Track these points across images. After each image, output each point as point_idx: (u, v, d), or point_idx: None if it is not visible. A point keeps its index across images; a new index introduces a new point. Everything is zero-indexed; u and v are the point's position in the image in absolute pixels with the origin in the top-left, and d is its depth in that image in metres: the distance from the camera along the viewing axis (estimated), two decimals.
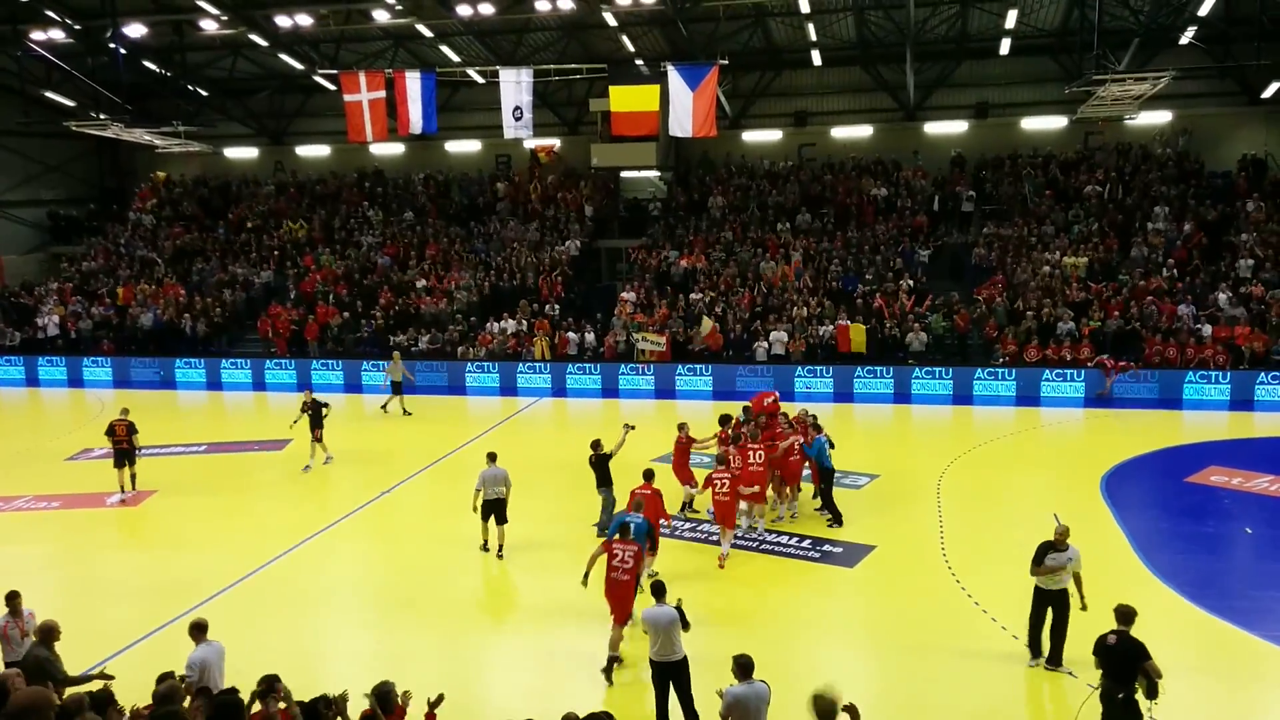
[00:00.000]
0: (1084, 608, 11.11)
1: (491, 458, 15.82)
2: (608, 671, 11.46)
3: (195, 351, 32.55)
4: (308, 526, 17.21)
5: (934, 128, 34.62)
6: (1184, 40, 29.06)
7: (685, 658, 10.11)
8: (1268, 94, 31.02)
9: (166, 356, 32.32)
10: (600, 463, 16.13)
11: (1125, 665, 8.97)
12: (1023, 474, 20.07)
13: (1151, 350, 26.20)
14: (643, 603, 11.22)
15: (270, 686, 8.15)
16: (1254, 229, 29.21)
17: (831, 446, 16.89)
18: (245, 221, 38.44)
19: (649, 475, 14.17)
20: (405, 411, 26.34)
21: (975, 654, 12.02)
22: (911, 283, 29.77)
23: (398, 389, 26.46)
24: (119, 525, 18.00)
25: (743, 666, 8.45)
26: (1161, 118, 32.18)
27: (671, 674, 10.11)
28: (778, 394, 19.35)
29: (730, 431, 16.77)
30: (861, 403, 27.03)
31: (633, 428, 17.28)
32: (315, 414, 21.01)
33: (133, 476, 19.20)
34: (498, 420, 25.51)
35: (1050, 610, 11.24)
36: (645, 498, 13.67)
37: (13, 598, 10.27)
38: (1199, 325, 26.58)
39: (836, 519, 16.50)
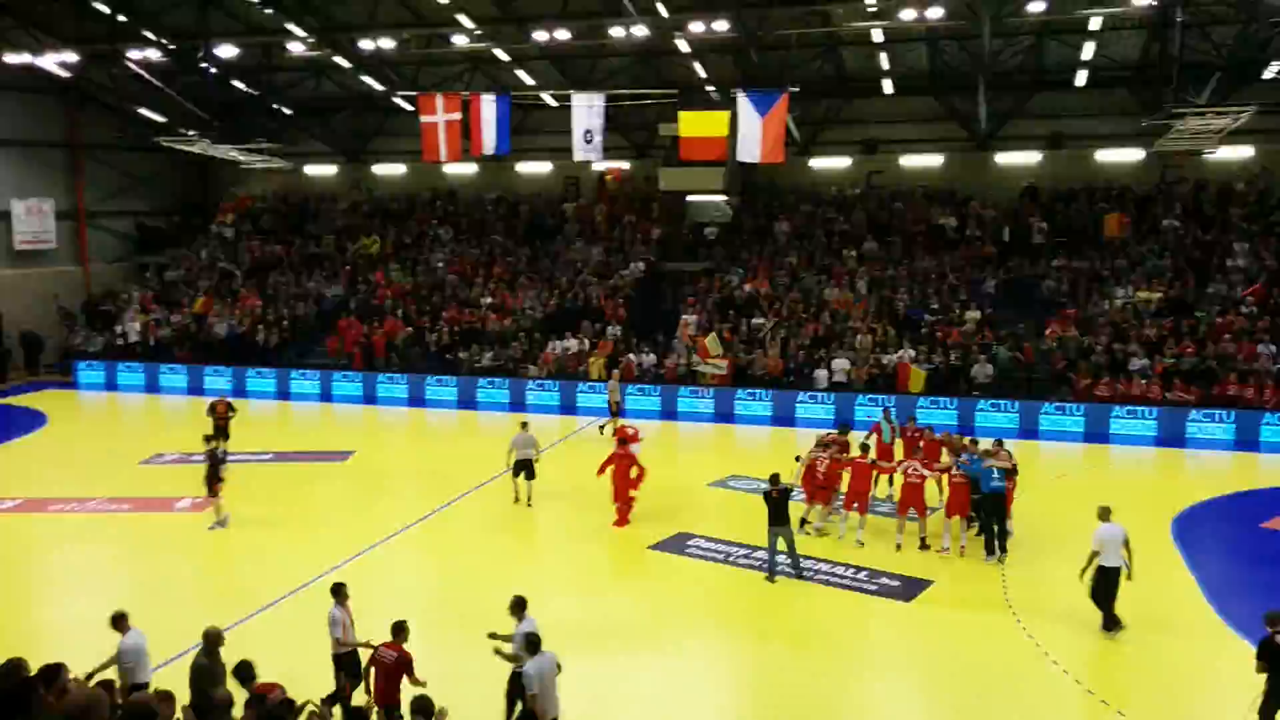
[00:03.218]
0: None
1: (524, 425, 19.84)
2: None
3: (266, 361, 33.44)
4: (363, 539, 17.48)
5: (1005, 158, 34.15)
6: (1268, 75, 28.31)
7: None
8: None
9: (240, 365, 33.26)
10: (782, 498, 15.33)
11: None
12: (1089, 512, 19.43)
13: (1227, 390, 25.43)
14: None
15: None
16: None
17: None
18: (321, 237, 39.47)
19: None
20: (600, 428, 26.18)
21: (1036, 698, 11.78)
22: (979, 313, 29.35)
23: (616, 410, 26.44)
24: (184, 529, 18.39)
25: (532, 644, 9.65)
26: (1243, 153, 31.30)
27: None
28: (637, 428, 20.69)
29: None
30: None
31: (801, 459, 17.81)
32: (214, 468, 18.02)
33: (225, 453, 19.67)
34: (555, 439, 25.68)
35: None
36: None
37: (338, 590, 11.01)
38: (1278, 365, 25.73)
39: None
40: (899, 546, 16.66)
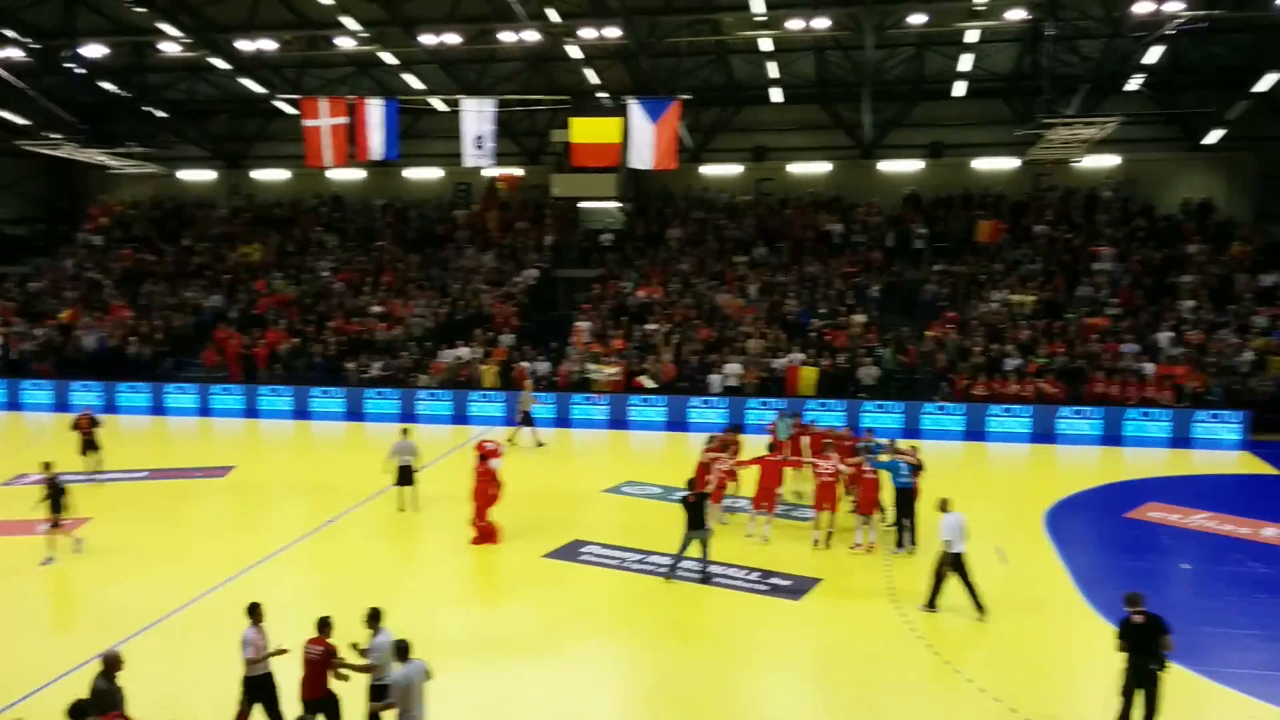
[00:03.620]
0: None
1: (404, 431, 19.49)
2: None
3: (139, 375, 31.92)
4: (246, 557, 16.75)
5: (889, 166, 35.22)
6: (1131, 87, 29.89)
7: None
8: (1210, 140, 31.94)
9: (109, 380, 31.66)
10: (699, 502, 15.38)
11: (1152, 639, 10.27)
12: (969, 507, 19.93)
13: (1094, 388, 26.71)
14: None
15: None
16: (1197, 271, 29.95)
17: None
18: (196, 245, 37.95)
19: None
20: (539, 443, 25.26)
21: (918, 687, 12.07)
22: (864, 317, 30.11)
23: (528, 420, 25.57)
24: (48, 553, 17.15)
25: (401, 650, 9.49)
26: (1109, 161, 33.00)
27: None
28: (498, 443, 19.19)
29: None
30: None
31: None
32: (55, 497, 16.75)
33: (99, 464, 21.60)
34: (446, 450, 25.17)
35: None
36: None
37: (253, 610, 10.41)
38: (1141, 364, 27.13)
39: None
40: (816, 543, 16.99)
